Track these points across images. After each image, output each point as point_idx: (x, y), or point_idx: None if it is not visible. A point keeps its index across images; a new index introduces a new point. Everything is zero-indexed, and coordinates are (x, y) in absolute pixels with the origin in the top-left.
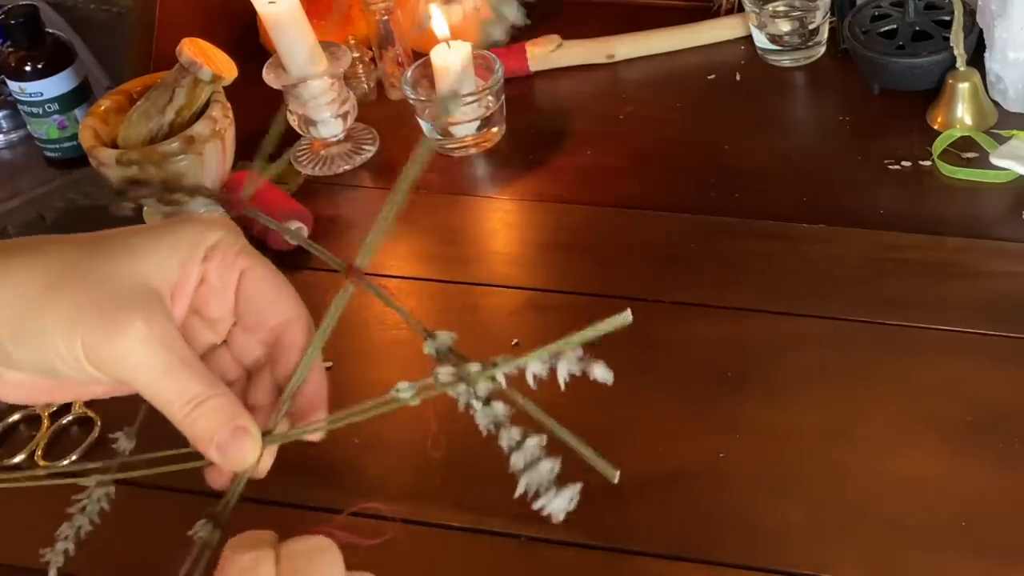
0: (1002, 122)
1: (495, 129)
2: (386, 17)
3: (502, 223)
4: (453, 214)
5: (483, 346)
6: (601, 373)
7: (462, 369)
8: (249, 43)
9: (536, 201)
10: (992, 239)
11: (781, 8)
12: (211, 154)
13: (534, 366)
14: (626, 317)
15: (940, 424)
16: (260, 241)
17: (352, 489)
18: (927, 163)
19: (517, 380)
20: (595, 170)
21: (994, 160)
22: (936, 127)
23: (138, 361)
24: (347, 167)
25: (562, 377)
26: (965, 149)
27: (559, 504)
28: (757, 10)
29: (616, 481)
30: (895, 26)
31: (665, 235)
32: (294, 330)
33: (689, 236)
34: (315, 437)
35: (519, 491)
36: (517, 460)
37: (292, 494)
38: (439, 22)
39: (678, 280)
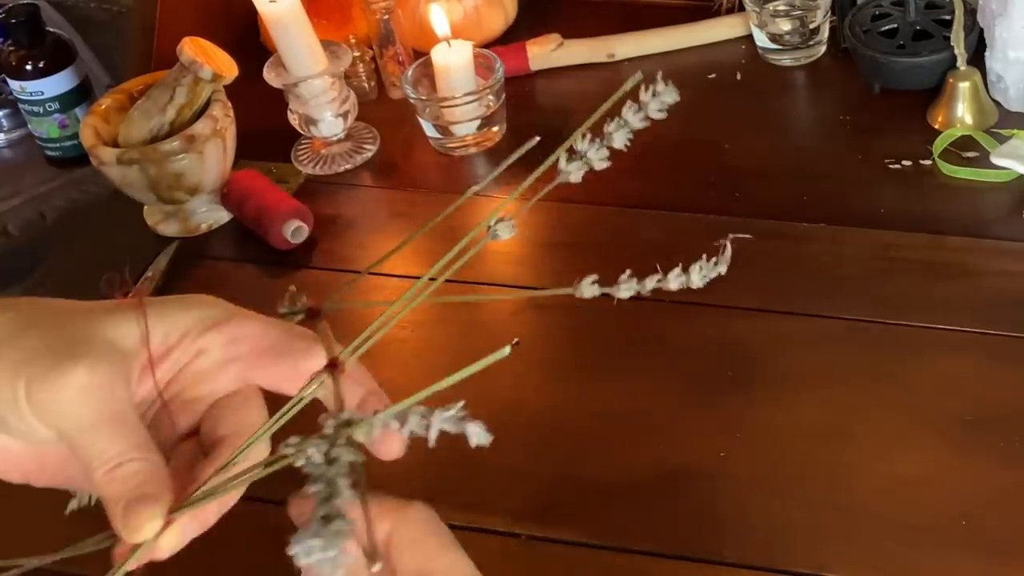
0: (1002, 121)
1: (496, 128)
2: (387, 16)
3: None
4: (453, 213)
5: (484, 345)
6: (476, 436)
7: (314, 438)
8: (249, 42)
9: (537, 200)
10: (992, 238)
11: (781, 7)
12: (212, 153)
13: (391, 424)
14: (504, 352)
15: (940, 424)
16: (261, 240)
17: None
18: (927, 162)
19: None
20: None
21: (994, 159)
22: (937, 126)
23: (69, 408)
24: (348, 166)
25: (432, 439)
26: (965, 148)
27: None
28: (758, 9)
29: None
30: (896, 25)
31: (666, 234)
32: (251, 402)
33: (690, 235)
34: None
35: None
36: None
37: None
38: (439, 21)
39: None
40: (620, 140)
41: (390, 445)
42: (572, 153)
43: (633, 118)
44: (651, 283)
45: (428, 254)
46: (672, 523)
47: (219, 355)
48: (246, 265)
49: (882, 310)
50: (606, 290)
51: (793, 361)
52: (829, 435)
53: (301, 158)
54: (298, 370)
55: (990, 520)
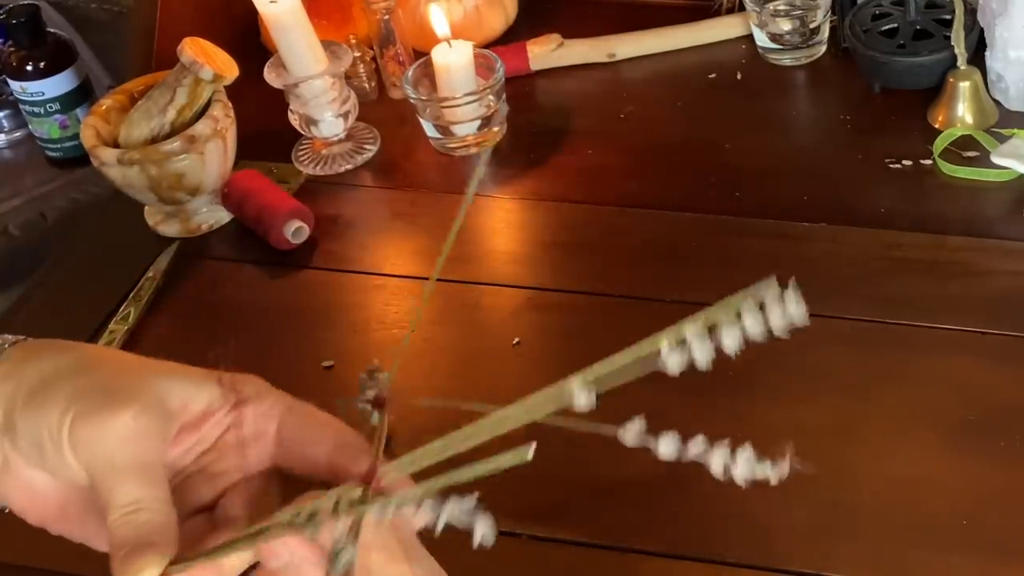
0: (1003, 121)
1: (496, 128)
2: (387, 16)
3: (503, 222)
4: (454, 213)
5: (483, 345)
6: (483, 534)
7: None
8: (250, 42)
9: (537, 200)
10: (993, 238)
11: (782, 7)
12: (212, 153)
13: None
14: (527, 454)
15: (941, 423)
16: (262, 240)
17: None
18: (928, 162)
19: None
20: (596, 169)
21: (995, 159)
22: (937, 126)
23: (105, 449)
24: (348, 166)
25: (440, 527)
26: (966, 148)
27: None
28: (758, 9)
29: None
30: (896, 25)
31: (666, 234)
32: (349, 455)
33: (690, 235)
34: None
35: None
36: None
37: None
38: (440, 21)
39: (678, 279)
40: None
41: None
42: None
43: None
44: (695, 449)
45: (428, 255)
46: (673, 523)
47: (252, 429)
48: (247, 265)
49: (882, 310)
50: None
51: (793, 361)
52: (830, 435)
53: (302, 158)
54: (333, 467)
55: (991, 520)
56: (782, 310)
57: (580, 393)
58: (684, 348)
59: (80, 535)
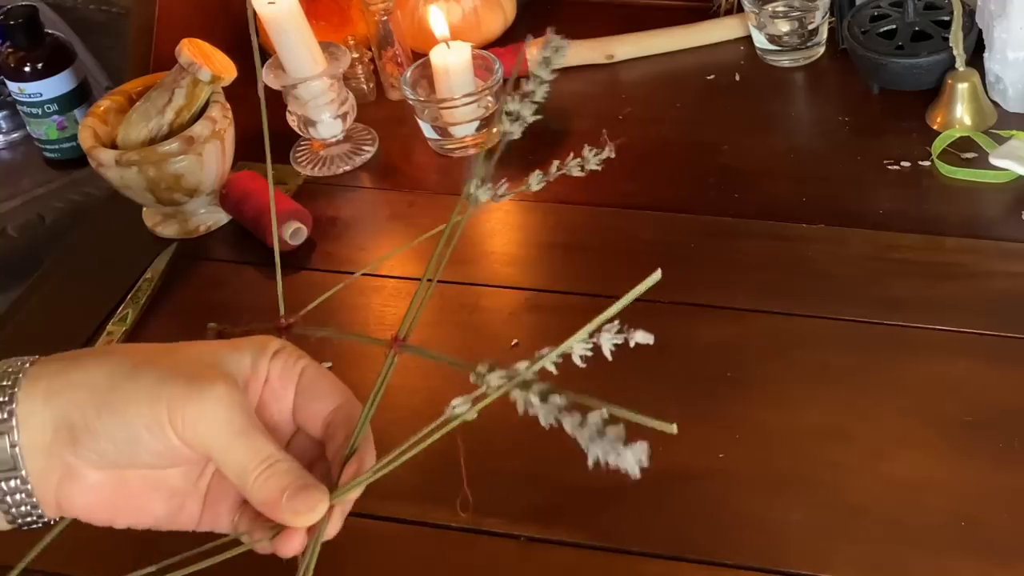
0: (1001, 122)
1: (495, 129)
2: (385, 17)
3: (501, 223)
4: (452, 214)
5: (482, 346)
6: (642, 336)
7: (512, 371)
8: (248, 44)
9: (535, 201)
10: (991, 239)
11: (780, 8)
12: (210, 154)
13: (579, 348)
14: (656, 276)
15: (940, 424)
16: (260, 242)
17: None
18: (926, 163)
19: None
20: (594, 170)
21: (993, 160)
22: (935, 127)
23: (217, 420)
24: (347, 168)
25: (607, 350)
26: (964, 149)
27: (631, 461)
28: (756, 10)
29: (675, 431)
30: (894, 26)
31: (665, 235)
32: (343, 410)
33: (689, 236)
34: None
35: (590, 462)
36: (584, 436)
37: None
38: (438, 22)
39: (678, 280)
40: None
41: (289, 543)
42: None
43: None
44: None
45: (426, 256)
46: (671, 524)
47: (278, 382)
48: (245, 267)
49: (881, 311)
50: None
51: (792, 362)
52: (828, 436)
53: (300, 159)
54: (318, 412)
55: (989, 521)
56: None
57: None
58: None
59: (150, 520)
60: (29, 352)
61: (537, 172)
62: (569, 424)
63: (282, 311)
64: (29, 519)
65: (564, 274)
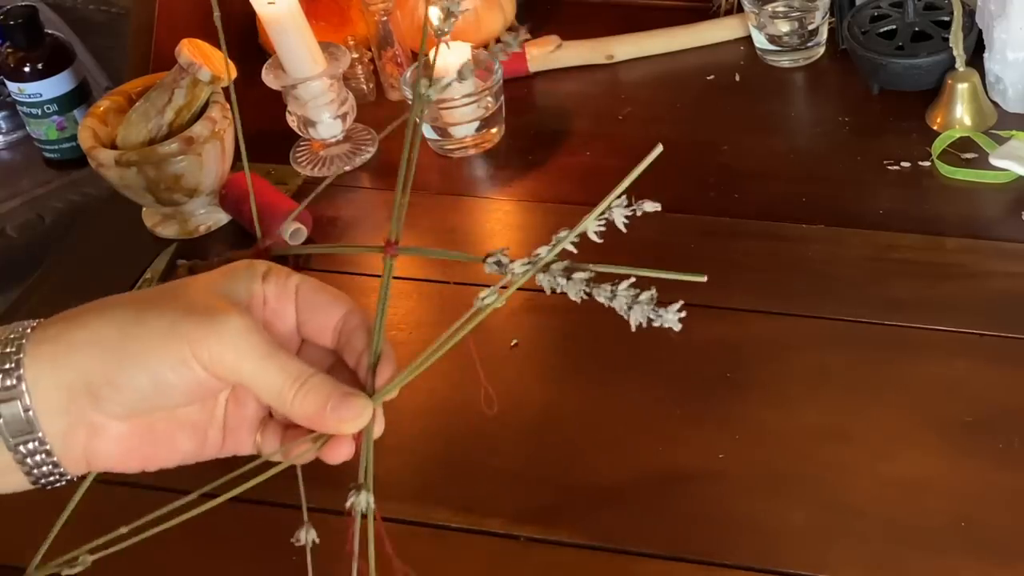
0: (1001, 122)
1: (494, 130)
2: (385, 17)
3: (501, 224)
4: (452, 215)
5: (481, 346)
6: (650, 206)
7: (533, 258)
8: (248, 44)
9: (535, 202)
10: (991, 239)
11: (780, 9)
12: (210, 155)
13: (592, 226)
14: (657, 150)
15: (940, 424)
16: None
17: None
18: (926, 163)
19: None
20: (594, 171)
21: (993, 161)
22: (935, 127)
23: (241, 348)
24: (346, 168)
25: (620, 223)
26: (964, 149)
27: (672, 318)
28: (756, 11)
29: (705, 279)
30: (894, 26)
31: (664, 235)
32: (353, 318)
33: (688, 236)
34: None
35: (633, 326)
36: (620, 304)
37: (292, 495)
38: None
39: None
40: None
41: (339, 449)
42: None
43: None
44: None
45: (426, 256)
46: (671, 525)
47: (276, 302)
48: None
49: (881, 311)
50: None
51: (791, 362)
52: (828, 436)
53: (300, 160)
54: (325, 324)
55: (989, 521)
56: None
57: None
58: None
59: (180, 458)
60: None
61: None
62: (601, 296)
63: (258, 234)
64: (52, 478)
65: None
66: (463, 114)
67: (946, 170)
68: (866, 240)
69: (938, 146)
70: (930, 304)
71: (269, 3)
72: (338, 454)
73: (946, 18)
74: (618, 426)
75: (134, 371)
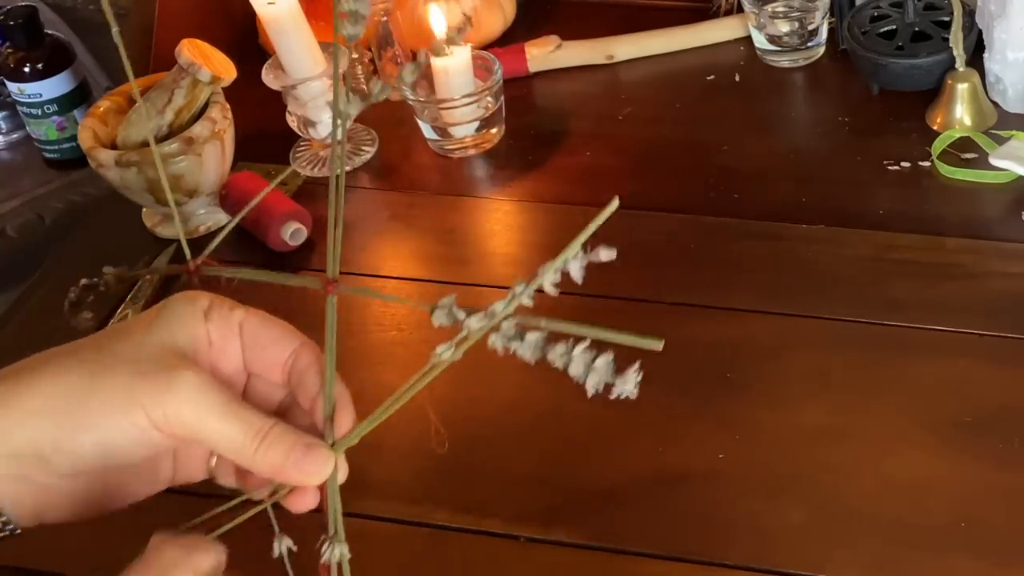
0: (1001, 123)
1: (494, 130)
2: (385, 18)
3: (501, 224)
4: (452, 215)
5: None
6: (605, 253)
7: (489, 312)
8: (248, 44)
9: (535, 202)
10: (991, 240)
11: (780, 9)
12: (210, 155)
13: (549, 278)
14: (613, 204)
15: (939, 424)
16: (260, 241)
17: (352, 490)
18: (926, 164)
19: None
20: (594, 171)
21: (993, 161)
22: (935, 128)
23: (198, 407)
24: (346, 168)
25: (577, 276)
26: (964, 150)
27: (629, 387)
28: (756, 11)
29: (660, 347)
30: (894, 27)
31: (664, 235)
32: (305, 354)
33: (688, 236)
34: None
35: (590, 392)
36: (576, 369)
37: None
38: (438, 22)
39: (678, 280)
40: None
41: (303, 500)
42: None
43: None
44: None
45: (427, 255)
46: (671, 525)
47: (220, 337)
48: (245, 267)
49: (880, 311)
50: None
51: (791, 362)
52: (828, 436)
53: (300, 160)
54: (274, 361)
55: (989, 521)
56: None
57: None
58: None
59: (129, 501)
60: (28, 352)
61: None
62: (558, 360)
63: (187, 254)
64: (3, 533)
65: (564, 275)
66: (463, 114)
67: (946, 170)
68: (866, 240)
69: (938, 146)
70: (930, 304)
71: (269, 3)
72: (303, 503)
73: (946, 18)
74: (618, 426)
75: (84, 439)
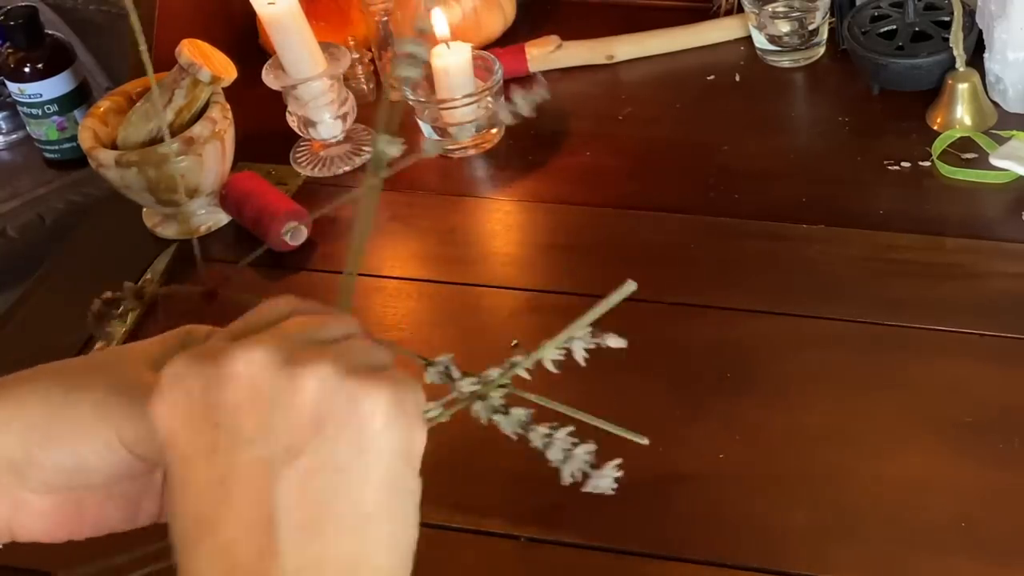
0: (1001, 123)
1: (494, 130)
2: (385, 18)
3: (501, 224)
4: (452, 215)
5: (482, 347)
6: (614, 341)
7: (483, 377)
8: (248, 44)
9: (535, 202)
10: (992, 240)
11: (780, 9)
12: (210, 155)
13: (550, 354)
14: (629, 287)
15: (940, 424)
16: (260, 242)
17: None
18: (927, 164)
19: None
20: (594, 171)
21: (993, 161)
22: (936, 128)
23: None
24: (347, 168)
25: (580, 356)
26: (964, 150)
27: (605, 482)
28: (756, 11)
29: (647, 443)
30: (895, 27)
31: (665, 235)
32: None
33: (689, 236)
34: None
35: (564, 481)
36: (554, 454)
37: None
38: (438, 22)
39: (678, 280)
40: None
41: None
42: None
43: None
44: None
45: (427, 255)
46: (671, 525)
47: None
48: (245, 267)
49: (881, 311)
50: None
51: (792, 363)
52: (828, 436)
53: (300, 160)
54: None
55: (989, 522)
56: None
57: None
58: None
59: (106, 528)
60: (28, 352)
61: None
62: (537, 440)
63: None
64: None
65: (564, 274)
66: (463, 114)
67: (946, 170)
68: (866, 240)
69: (938, 146)
70: (930, 304)
71: (269, 3)
72: None
73: (946, 18)
74: (618, 426)
75: (56, 453)
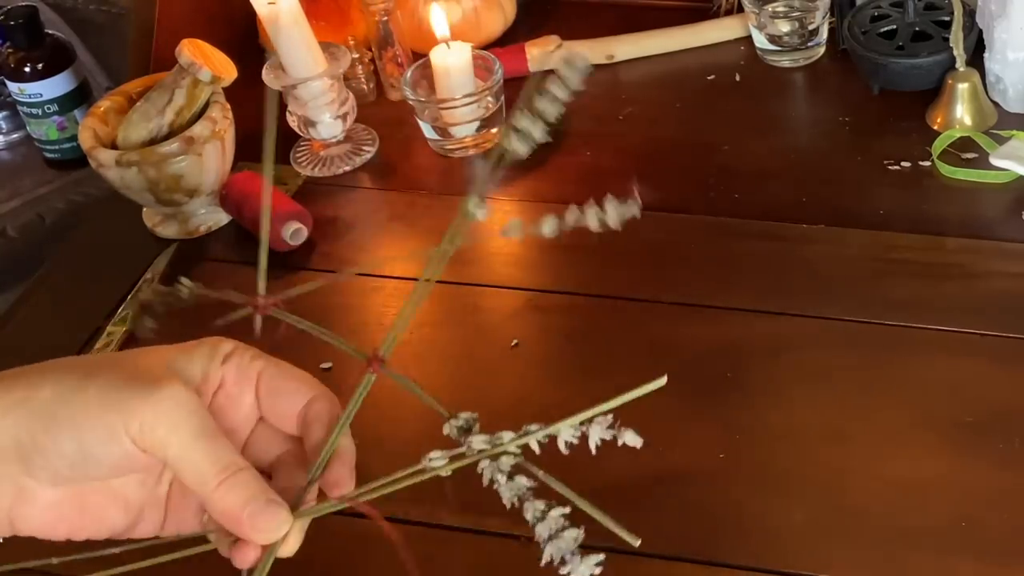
0: (1002, 122)
1: (494, 130)
2: (385, 18)
3: (501, 224)
4: (452, 215)
5: (482, 347)
6: (631, 439)
7: (496, 438)
8: (248, 44)
9: (535, 202)
10: (992, 239)
11: (780, 9)
12: (210, 155)
13: (566, 435)
14: (661, 381)
15: (940, 424)
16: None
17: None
18: (927, 163)
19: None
20: (594, 171)
21: (994, 160)
22: (936, 127)
23: (175, 423)
24: (347, 168)
25: (593, 444)
26: (965, 149)
27: (584, 571)
28: (756, 11)
29: (638, 545)
30: (895, 26)
31: (665, 235)
32: (318, 405)
33: (689, 236)
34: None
35: (544, 560)
36: (542, 531)
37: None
38: (439, 22)
39: (678, 280)
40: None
41: (247, 554)
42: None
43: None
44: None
45: (426, 257)
46: (670, 524)
47: (236, 386)
48: (245, 267)
49: (881, 311)
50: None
51: (792, 362)
52: (828, 436)
53: (300, 160)
54: (288, 411)
55: (989, 522)
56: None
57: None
58: None
59: (107, 530)
60: (28, 352)
61: (551, 217)
62: (529, 512)
63: (261, 289)
64: None
65: (564, 274)
66: (463, 114)
67: (946, 170)
68: (866, 240)
69: (938, 146)
70: (930, 304)
71: (269, 3)
72: (244, 559)
73: (946, 18)
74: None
75: (62, 436)
